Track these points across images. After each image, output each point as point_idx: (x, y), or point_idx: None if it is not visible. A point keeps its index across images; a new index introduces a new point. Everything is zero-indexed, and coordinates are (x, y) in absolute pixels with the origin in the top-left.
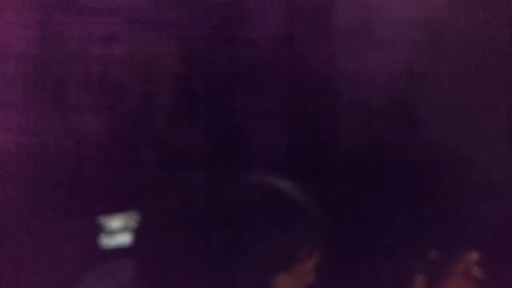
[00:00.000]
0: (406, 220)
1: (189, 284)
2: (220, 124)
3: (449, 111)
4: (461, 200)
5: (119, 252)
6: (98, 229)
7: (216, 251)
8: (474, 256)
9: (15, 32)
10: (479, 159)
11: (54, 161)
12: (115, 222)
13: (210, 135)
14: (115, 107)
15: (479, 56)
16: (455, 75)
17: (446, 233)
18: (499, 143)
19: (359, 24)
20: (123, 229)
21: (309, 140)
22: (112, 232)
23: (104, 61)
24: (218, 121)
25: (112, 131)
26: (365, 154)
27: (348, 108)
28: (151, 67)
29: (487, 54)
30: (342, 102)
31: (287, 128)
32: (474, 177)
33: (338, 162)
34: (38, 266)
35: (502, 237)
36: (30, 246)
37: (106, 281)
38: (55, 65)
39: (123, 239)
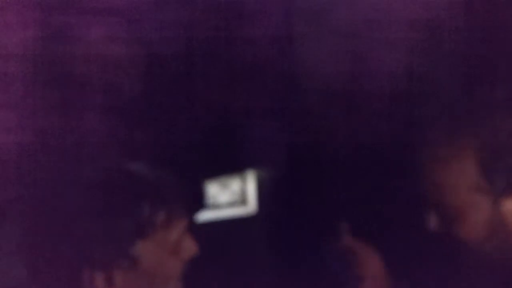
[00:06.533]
0: None
1: None
2: (220, 124)
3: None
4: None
5: None
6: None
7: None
8: None
9: (15, 32)
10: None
11: (54, 161)
12: None
13: (209, 135)
14: (115, 107)
15: (479, 55)
16: (455, 75)
17: None
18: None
19: (359, 24)
20: None
21: (308, 140)
22: None
23: (104, 61)
24: (218, 121)
25: (112, 131)
26: (365, 154)
27: (348, 108)
28: (151, 67)
29: (487, 54)
30: (342, 102)
31: (287, 128)
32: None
33: (337, 162)
34: (37, 266)
35: None
36: (30, 246)
37: None
38: (55, 65)
39: None
